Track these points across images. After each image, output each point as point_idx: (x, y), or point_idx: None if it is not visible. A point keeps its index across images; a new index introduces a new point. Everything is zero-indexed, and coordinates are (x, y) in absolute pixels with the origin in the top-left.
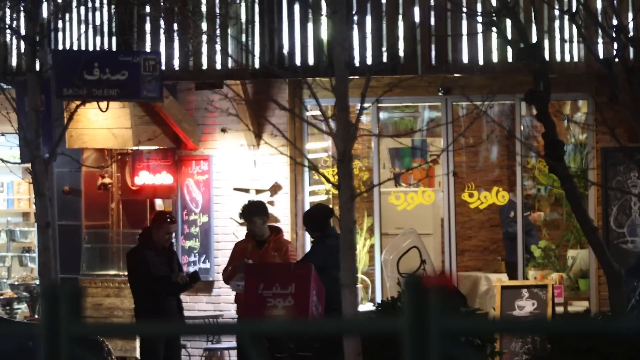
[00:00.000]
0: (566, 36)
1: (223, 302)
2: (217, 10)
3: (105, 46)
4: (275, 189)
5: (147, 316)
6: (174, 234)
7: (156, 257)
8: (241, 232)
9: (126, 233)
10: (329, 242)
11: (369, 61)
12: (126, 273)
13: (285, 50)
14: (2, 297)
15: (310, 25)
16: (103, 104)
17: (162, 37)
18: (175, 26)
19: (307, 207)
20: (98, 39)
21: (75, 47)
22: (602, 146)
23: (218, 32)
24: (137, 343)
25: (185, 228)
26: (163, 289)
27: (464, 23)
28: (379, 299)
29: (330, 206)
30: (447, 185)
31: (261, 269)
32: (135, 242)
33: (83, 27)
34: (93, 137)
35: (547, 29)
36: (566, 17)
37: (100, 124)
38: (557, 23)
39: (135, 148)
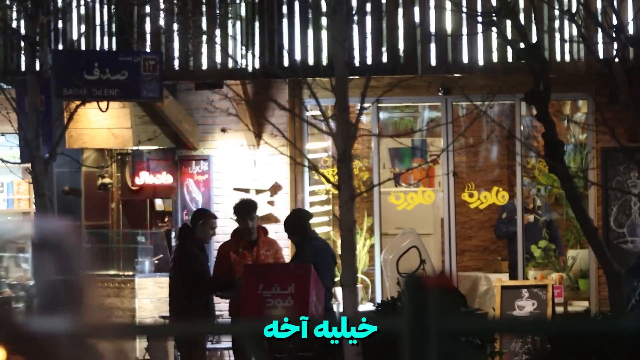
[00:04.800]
0: (566, 36)
1: (223, 302)
2: (217, 10)
3: (105, 46)
4: (275, 189)
5: (198, 316)
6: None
7: (204, 259)
8: None
9: (126, 233)
10: (314, 243)
11: (369, 61)
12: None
13: (285, 50)
14: (1, 297)
15: (310, 25)
16: (103, 104)
17: (162, 37)
18: (175, 26)
19: (307, 207)
20: (98, 39)
21: (75, 47)
22: (602, 146)
23: (218, 32)
24: (137, 343)
25: None
26: (221, 290)
27: (464, 23)
28: (379, 299)
29: (310, 210)
30: (447, 185)
31: (261, 270)
32: (134, 242)
33: (83, 27)
34: (93, 137)
35: (547, 29)
36: (566, 17)
37: (100, 124)
38: (557, 23)
39: (135, 148)
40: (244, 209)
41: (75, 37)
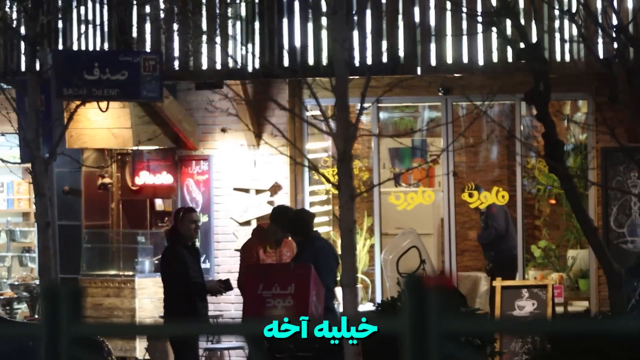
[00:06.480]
0: (566, 36)
1: (223, 302)
2: (217, 10)
3: (105, 46)
4: (275, 189)
5: (180, 317)
6: (199, 224)
7: (189, 256)
8: (241, 232)
9: (126, 233)
10: (317, 244)
11: (369, 61)
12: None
13: (285, 50)
14: (2, 297)
15: (310, 25)
16: (103, 104)
17: (162, 37)
18: (175, 26)
19: (307, 207)
20: (98, 39)
21: (75, 47)
22: (602, 146)
23: (218, 32)
24: (137, 343)
25: None
26: (197, 294)
27: (464, 23)
28: (379, 299)
29: (310, 210)
30: (447, 185)
31: (261, 270)
32: (134, 242)
33: (83, 27)
34: (93, 137)
35: (547, 29)
36: (566, 17)
37: (100, 124)
38: (557, 23)
39: (135, 148)
40: (288, 221)
41: (75, 37)
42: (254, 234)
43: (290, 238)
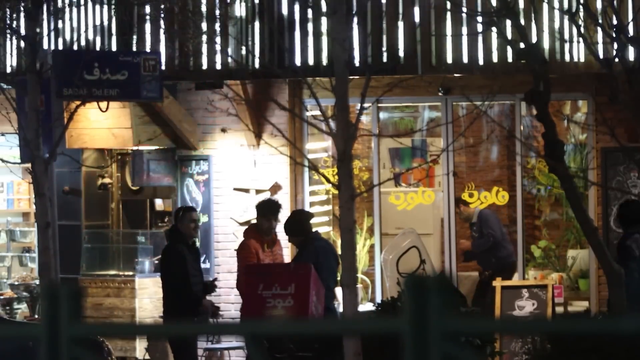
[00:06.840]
0: (566, 36)
1: (223, 302)
2: (217, 10)
3: (105, 46)
4: (275, 189)
5: (181, 316)
6: (199, 223)
7: (189, 255)
8: (241, 232)
9: (126, 233)
10: (317, 244)
11: (369, 61)
12: (123, 271)
13: (285, 50)
14: (2, 297)
15: (310, 25)
16: (103, 104)
17: (162, 37)
18: (175, 26)
19: (307, 207)
20: (98, 39)
21: (75, 47)
22: (602, 146)
23: (218, 32)
24: (137, 343)
25: None
26: (191, 305)
27: (464, 23)
28: (379, 299)
29: (310, 210)
30: (447, 185)
31: (261, 270)
32: (134, 242)
33: (83, 27)
34: (93, 137)
35: (547, 29)
36: (566, 17)
37: (100, 124)
38: (557, 23)
39: (135, 148)
40: (273, 210)
41: (75, 37)
42: (249, 233)
43: (288, 237)
